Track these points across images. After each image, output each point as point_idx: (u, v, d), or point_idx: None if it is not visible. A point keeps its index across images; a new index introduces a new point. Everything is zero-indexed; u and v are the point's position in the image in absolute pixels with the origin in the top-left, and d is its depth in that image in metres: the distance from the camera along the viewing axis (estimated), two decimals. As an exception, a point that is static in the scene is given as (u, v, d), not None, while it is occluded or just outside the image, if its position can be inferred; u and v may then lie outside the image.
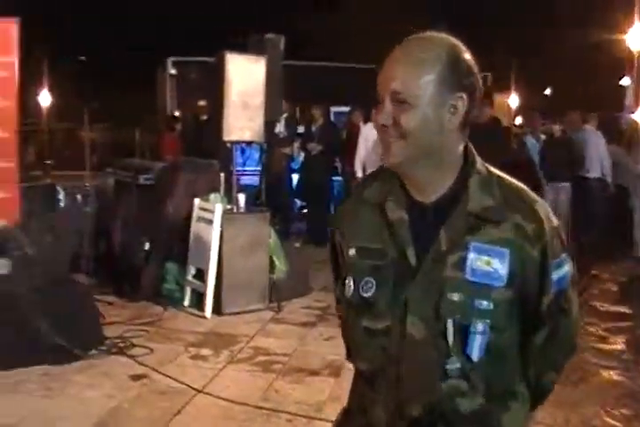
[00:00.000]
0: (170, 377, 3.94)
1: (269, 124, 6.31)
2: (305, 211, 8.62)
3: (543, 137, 8.22)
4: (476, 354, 1.28)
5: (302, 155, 7.73)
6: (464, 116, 1.30)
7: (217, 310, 5.05)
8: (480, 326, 1.27)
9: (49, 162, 9.65)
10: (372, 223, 1.35)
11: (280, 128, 7.30)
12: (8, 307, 4.13)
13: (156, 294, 5.34)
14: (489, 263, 1.28)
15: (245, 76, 5.68)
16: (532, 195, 1.36)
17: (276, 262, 5.39)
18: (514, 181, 1.37)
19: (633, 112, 11.75)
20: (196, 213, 5.34)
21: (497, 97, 16.70)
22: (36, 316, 4.09)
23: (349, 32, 20.88)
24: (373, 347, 1.34)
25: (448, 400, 1.30)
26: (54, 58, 18.69)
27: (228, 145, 5.97)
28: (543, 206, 1.35)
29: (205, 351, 4.39)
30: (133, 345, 4.43)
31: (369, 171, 1.35)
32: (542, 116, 9.11)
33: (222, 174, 5.62)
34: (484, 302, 1.27)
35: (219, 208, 5.12)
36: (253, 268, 5.10)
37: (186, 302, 5.26)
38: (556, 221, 1.36)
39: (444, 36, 1.32)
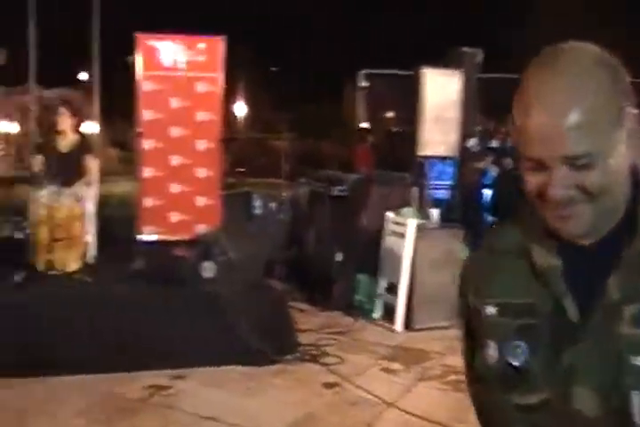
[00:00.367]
0: (362, 388, 4.01)
1: (462, 138, 6.24)
2: (496, 227, 8.33)
3: None
4: None
5: (496, 170, 7.56)
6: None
7: (407, 324, 5.07)
8: None
9: (242, 170, 10.22)
10: (516, 275, 1.08)
11: (473, 142, 7.19)
12: (213, 308, 4.43)
13: (347, 305, 5.45)
14: None
15: (441, 90, 5.67)
16: None
17: (467, 279, 5.29)
18: None
19: None
20: (388, 226, 5.39)
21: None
22: (237, 318, 4.34)
23: (545, 44, 20.03)
24: (524, 425, 1.06)
25: None
26: (249, 69, 19.76)
27: (419, 159, 5.97)
28: None
29: (396, 366, 4.42)
30: (325, 354, 4.55)
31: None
32: None
33: (415, 188, 5.64)
34: None
35: (412, 223, 5.14)
36: (445, 284, 5.04)
37: (376, 315, 5.33)
38: None
39: (589, 47, 1.00)
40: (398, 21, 22.43)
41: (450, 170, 6.74)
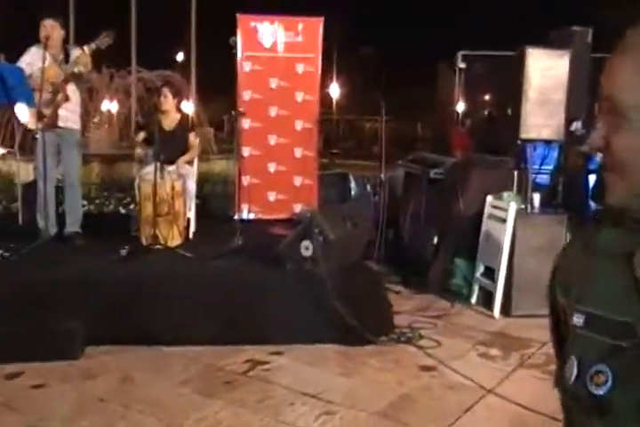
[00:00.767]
0: (459, 373, 3.97)
1: (567, 122, 6.01)
2: (600, 214, 8.04)
3: None
4: None
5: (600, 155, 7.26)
6: None
7: (505, 310, 4.97)
8: None
9: (336, 151, 10.26)
10: (613, 284, 0.89)
11: (578, 125, 6.93)
12: (310, 287, 4.48)
13: (443, 289, 5.40)
14: None
15: (546, 71, 5.46)
16: None
17: (570, 267, 5.13)
18: None
19: None
20: (487, 210, 5.29)
21: None
22: (334, 297, 4.37)
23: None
24: None
25: None
26: (343, 50, 19.71)
27: (519, 142, 5.80)
28: None
29: (494, 352, 4.34)
30: (421, 336, 4.53)
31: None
32: None
33: (515, 172, 5.49)
34: None
35: (512, 207, 5.01)
36: (546, 271, 4.89)
37: (473, 299, 5.26)
38: None
39: None
40: (497, 1, 21.81)
41: (553, 154, 6.52)
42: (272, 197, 6.81)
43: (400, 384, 3.86)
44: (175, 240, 5.30)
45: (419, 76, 17.28)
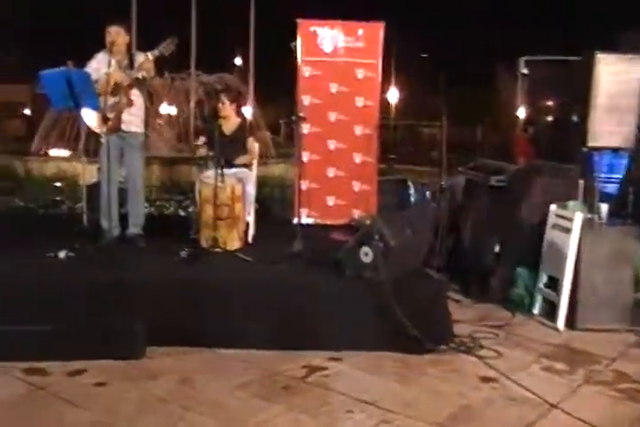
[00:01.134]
0: (521, 386, 3.86)
1: (638, 129, 5.83)
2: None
3: None
4: None
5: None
6: None
7: (569, 322, 4.83)
8: None
9: (393, 157, 10.20)
10: None
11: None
12: (370, 293, 4.44)
13: (504, 299, 5.29)
14: None
15: (616, 76, 5.31)
16: None
17: (643, 281, 4.96)
18: None
19: None
20: (551, 219, 5.15)
21: None
22: (393, 304, 4.32)
23: None
24: None
25: None
26: (402, 55, 19.64)
27: (585, 150, 5.65)
28: None
29: (560, 366, 4.21)
30: (482, 347, 4.44)
31: None
32: None
33: (581, 181, 5.34)
34: None
35: (578, 217, 4.88)
36: (615, 284, 4.77)
37: (535, 310, 5.13)
38: None
39: None
40: (559, 6, 21.40)
41: (621, 162, 6.33)
42: (331, 202, 6.79)
43: (460, 395, 3.79)
44: (235, 244, 5.33)
45: (477, 81, 17.11)
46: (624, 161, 6.24)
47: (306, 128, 6.69)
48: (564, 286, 4.83)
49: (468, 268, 5.67)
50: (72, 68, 5.14)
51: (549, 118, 8.33)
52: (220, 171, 5.23)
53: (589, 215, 5.03)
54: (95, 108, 5.12)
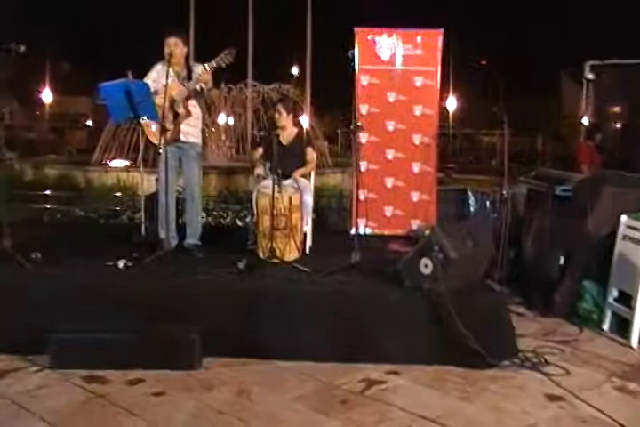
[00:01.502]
0: (592, 406, 3.68)
1: None
2: None
3: None
4: None
5: None
6: None
7: (644, 339, 4.60)
8: None
9: (452, 166, 10.03)
10: None
11: None
12: (430, 305, 4.32)
13: (570, 313, 5.08)
14: None
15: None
16: None
17: None
18: None
19: None
20: (622, 230, 4.93)
21: None
22: (454, 317, 4.19)
23: None
24: None
25: None
26: (459, 63, 19.36)
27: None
28: None
29: (634, 386, 3.98)
30: (547, 363, 4.26)
31: None
32: None
33: (653, 190, 5.11)
34: None
35: (651, 228, 4.66)
36: (690, 299, 4.53)
37: (605, 326, 4.90)
38: None
39: None
40: (626, 8, 20.75)
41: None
42: (389, 212, 6.69)
43: (525, 413, 3.63)
44: (292, 254, 5.28)
45: (539, 88, 16.70)
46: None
47: (364, 137, 6.62)
48: (638, 302, 4.60)
49: (532, 280, 5.48)
50: (131, 80, 5.19)
51: (617, 125, 8.03)
52: (277, 181, 5.20)
53: (663, 226, 4.79)
54: (154, 118, 5.16)
